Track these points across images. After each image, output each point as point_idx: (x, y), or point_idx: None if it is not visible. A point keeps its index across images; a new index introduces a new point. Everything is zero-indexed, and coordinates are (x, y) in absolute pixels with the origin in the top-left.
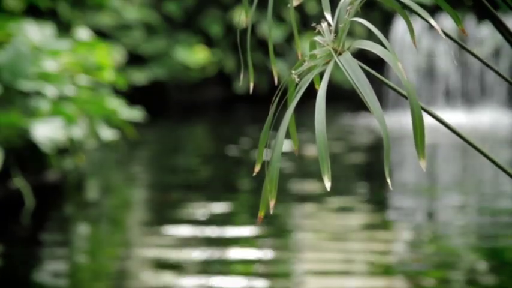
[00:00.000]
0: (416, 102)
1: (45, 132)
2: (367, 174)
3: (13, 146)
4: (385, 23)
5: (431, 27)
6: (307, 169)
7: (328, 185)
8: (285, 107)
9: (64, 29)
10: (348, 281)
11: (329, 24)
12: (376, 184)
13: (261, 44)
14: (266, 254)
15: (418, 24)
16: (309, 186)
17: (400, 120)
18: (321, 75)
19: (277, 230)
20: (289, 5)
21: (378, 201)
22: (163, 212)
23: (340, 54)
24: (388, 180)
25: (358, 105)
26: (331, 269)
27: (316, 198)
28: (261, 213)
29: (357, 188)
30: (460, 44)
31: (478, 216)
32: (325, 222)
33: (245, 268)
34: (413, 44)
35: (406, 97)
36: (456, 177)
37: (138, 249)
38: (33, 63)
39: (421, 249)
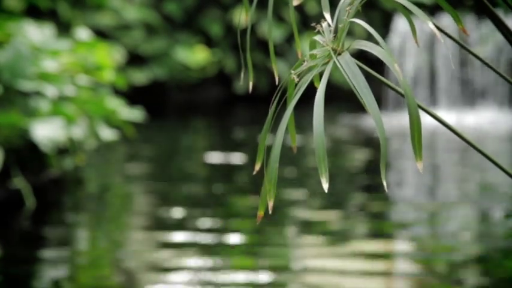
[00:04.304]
0: (414, 103)
1: (45, 132)
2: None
3: (13, 146)
4: (385, 23)
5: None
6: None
7: (325, 186)
8: (284, 107)
9: (64, 29)
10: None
11: (329, 24)
12: (375, 186)
13: (261, 44)
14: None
15: (417, 23)
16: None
17: (401, 121)
18: (321, 75)
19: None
20: (289, 4)
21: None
22: (163, 212)
23: (339, 54)
24: (384, 181)
25: (358, 105)
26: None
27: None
28: (260, 213)
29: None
30: (461, 43)
31: (479, 220)
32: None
33: (245, 275)
34: (415, 42)
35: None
36: (456, 178)
37: (138, 249)
38: (33, 63)
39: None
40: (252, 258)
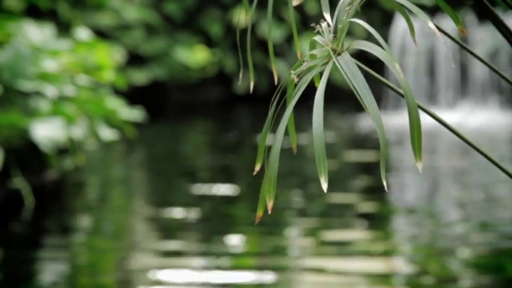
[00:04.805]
0: (414, 103)
1: (45, 132)
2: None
3: (13, 146)
4: (385, 22)
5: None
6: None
7: (325, 186)
8: (284, 107)
9: (64, 29)
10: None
11: (328, 25)
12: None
13: (261, 44)
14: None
15: (418, 23)
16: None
17: (401, 121)
18: (321, 75)
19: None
20: (289, 5)
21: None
22: (163, 214)
23: (339, 54)
24: (384, 182)
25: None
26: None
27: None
28: (259, 213)
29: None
30: (460, 43)
31: (481, 223)
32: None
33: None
34: (414, 42)
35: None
36: (456, 178)
37: (138, 250)
38: (33, 63)
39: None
40: (253, 261)
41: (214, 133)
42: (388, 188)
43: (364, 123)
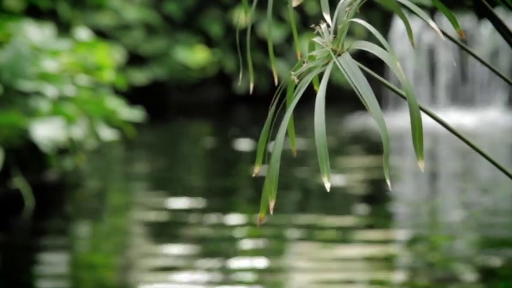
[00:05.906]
0: (415, 103)
1: (45, 132)
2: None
3: (13, 146)
4: (385, 22)
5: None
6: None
7: (328, 185)
8: (285, 108)
9: (64, 29)
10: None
11: (328, 25)
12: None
13: (261, 44)
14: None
15: (417, 23)
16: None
17: (401, 121)
18: (320, 76)
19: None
20: (288, 6)
21: (378, 205)
22: (163, 214)
23: (339, 55)
24: (388, 181)
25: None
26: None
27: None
28: (262, 214)
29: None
30: (460, 44)
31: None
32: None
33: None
34: (411, 44)
35: (405, 98)
36: (456, 179)
37: (138, 250)
38: (33, 63)
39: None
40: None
41: (213, 133)
42: (391, 187)
43: (357, 123)
